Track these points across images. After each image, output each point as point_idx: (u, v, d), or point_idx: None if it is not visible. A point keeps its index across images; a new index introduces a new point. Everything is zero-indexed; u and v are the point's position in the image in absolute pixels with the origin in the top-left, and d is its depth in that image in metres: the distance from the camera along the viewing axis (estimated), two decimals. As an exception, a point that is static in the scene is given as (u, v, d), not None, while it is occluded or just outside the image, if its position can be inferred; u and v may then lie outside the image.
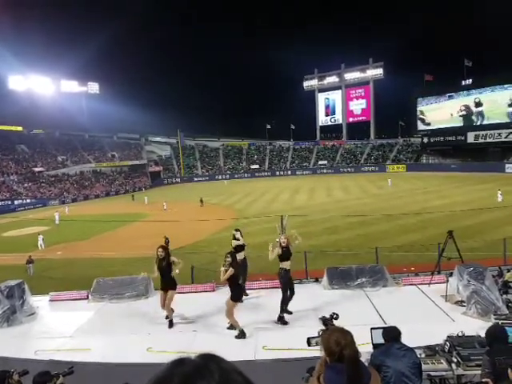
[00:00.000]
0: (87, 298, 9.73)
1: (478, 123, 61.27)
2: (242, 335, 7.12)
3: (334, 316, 7.41)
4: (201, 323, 7.89)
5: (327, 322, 7.35)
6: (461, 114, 63.22)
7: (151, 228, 26.44)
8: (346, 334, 2.55)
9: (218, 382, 0.64)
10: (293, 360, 6.02)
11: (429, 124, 67.48)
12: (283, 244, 7.94)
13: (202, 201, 39.59)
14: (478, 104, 60.86)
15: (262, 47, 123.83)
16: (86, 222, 30.35)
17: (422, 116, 68.19)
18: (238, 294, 7.37)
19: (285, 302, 7.86)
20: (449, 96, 64.47)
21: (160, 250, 7.91)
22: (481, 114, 61.03)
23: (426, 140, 68.50)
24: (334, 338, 2.51)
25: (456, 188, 40.20)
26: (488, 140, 59.78)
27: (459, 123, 63.68)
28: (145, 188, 67.40)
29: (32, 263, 18.79)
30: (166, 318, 7.95)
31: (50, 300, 9.84)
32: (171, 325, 7.83)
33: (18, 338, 7.76)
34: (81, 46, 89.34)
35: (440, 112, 65.33)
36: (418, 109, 68.47)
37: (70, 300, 9.75)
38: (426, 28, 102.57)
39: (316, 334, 4.03)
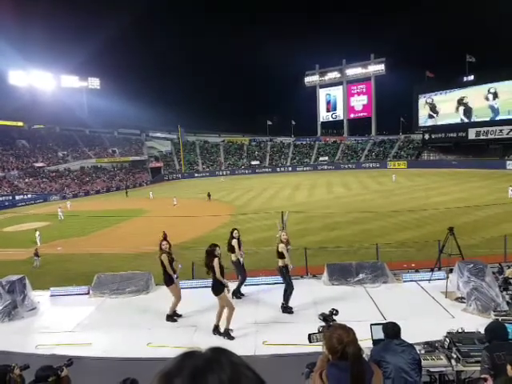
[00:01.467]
0: (88, 293, 9.76)
1: (481, 119, 60.96)
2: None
3: (334, 312, 7.45)
4: (201, 319, 7.91)
5: (327, 318, 7.38)
6: (462, 109, 62.94)
7: (154, 223, 26.44)
8: (349, 332, 2.53)
9: (228, 375, 0.64)
10: (293, 355, 6.05)
11: (436, 114, 66.64)
12: (284, 240, 8.00)
13: (209, 195, 40.50)
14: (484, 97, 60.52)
15: (263, 43, 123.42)
16: (89, 218, 30.43)
17: (431, 104, 67.31)
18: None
19: (291, 292, 8.03)
20: (458, 87, 63.87)
21: (164, 242, 8.06)
22: (483, 109, 60.79)
23: (427, 136, 68.38)
24: (337, 336, 2.50)
25: (457, 185, 40.15)
26: (489, 137, 59.61)
27: (461, 119, 63.42)
28: (146, 184, 67.42)
29: (38, 256, 19.37)
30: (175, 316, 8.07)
31: (51, 295, 9.87)
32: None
33: (19, 333, 7.80)
34: (81, 41, 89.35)
35: (445, 105, 65.01)
36: (426, 99, 67.82)
37: (71, 295, 9.79)
38: (428, 24, 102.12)
39: (316, 330, 4.05)
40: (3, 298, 8.51)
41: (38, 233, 23.94)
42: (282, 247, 7.96)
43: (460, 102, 63.04)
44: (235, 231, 9.32)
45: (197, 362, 0.65)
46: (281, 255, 7.98)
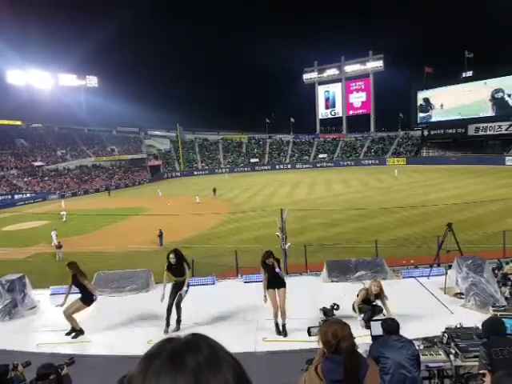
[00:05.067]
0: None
1: (479, 115, 60.94)
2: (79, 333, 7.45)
3: (335, 307, 7.49)
4: (201, 316, 7.94)
5: (328, 312, 7.42)
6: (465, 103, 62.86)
7: (156, 222, 26.47)
8: (344, 327, 2.60)
9: (206, 356, 0.68)
10: (293, 352, 6.07)
11: (432, 109, 66.50)
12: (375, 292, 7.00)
13: (214, 190, 41.85)
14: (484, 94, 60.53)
15: (261, 40, 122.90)
16: (89, 216, 30.45)
17: (428, 101, 67.39)
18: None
19: None
20: (456, 83, 63.74)
21: (171, 255, 7.42)
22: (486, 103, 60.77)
23: (426, 133, 68.39)
24: (332, 331, 2.55)
25: (456, 181, 40.20)
26: (488, 133, 59.66)
27: (464, 114, 63.30)
28: (145, 182, 67.40)
29: (59, 248, 20.01)
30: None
31: (51, 294, 9.89)
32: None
33: (20, 332, 7.82)
34: (79, 40, 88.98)
35: (444, 101, 64.94)
36: (422, 95, 67.87)
37: (71, 293, 9.79)
38: (427, 20, 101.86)
39: (317, 325, 4.10)
40: (3, 296, 8.52)
41: (55, 232, 23.14)
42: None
43: (464, 94, 62.62)
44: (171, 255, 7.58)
45: (176, 345, 0.70)
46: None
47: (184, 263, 7.55)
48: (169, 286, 7.62)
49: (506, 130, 57.29)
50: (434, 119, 67.38)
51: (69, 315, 7.46)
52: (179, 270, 7.49)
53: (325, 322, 2.84)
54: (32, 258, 20.65)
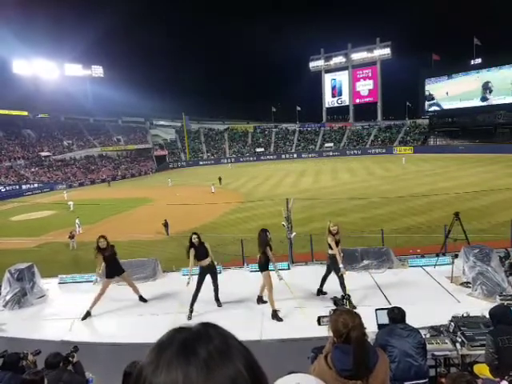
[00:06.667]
0: (96, 280, 9.87)
1: (489, 103, 59.97)
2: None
3: (346, 297, 7.50)
4: (208, 303, 8.00)
5: (338, 302, 7.43)
6: (470, 92, 61.86)
7: (162, 212, 26.58)
8: (355, 317, 2.59)
9: (217, 346, 0.67)
10: (298, 340, 6.11)
11: (435, 101, 65.83)
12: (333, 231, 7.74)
13: (220, 179, 42.53)
14: (488, 83, 59.53)
15: (267, 28, 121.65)
16: (97, 206, 30.63)
17: (431, 94, 66.71)
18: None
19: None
20: (464, 71, 62.70)
21: (194, 236, 7.73)
22: (491, 92, 59.75)
23: (433, 121, 67.46)
24: (342, 320, 2.55)
25: (464, 170, 39.78)
26: (497, 121, 58.71)
27: (469, 103, 62.34)
28: (151, 172, 67.58)
29: (73, 238, 20.30)
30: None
31: (60, 282, 10.01)
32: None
33: (29, 320, 7.94)
34: (85, 29, 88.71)
35: (452, 89, 63.99)
36: (427, 88, 67.09)
37: (79, 282, 9.92)
38: (434, 7, 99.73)
39: (326, 314, 4.10)
40: (13, 285, 8.65)
41: (78, 220, 23.71)
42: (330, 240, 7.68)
43: (469, 84, 61.67)
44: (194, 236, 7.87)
45: (186, 335, 0.70)
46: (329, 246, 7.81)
47: (205, 242, 7.86)
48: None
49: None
50: (441, 107, 66.37)
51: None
52: (203, 250, 7.71)
53: (335, 311, 2.84)
54: (40, 247, 20.91)
